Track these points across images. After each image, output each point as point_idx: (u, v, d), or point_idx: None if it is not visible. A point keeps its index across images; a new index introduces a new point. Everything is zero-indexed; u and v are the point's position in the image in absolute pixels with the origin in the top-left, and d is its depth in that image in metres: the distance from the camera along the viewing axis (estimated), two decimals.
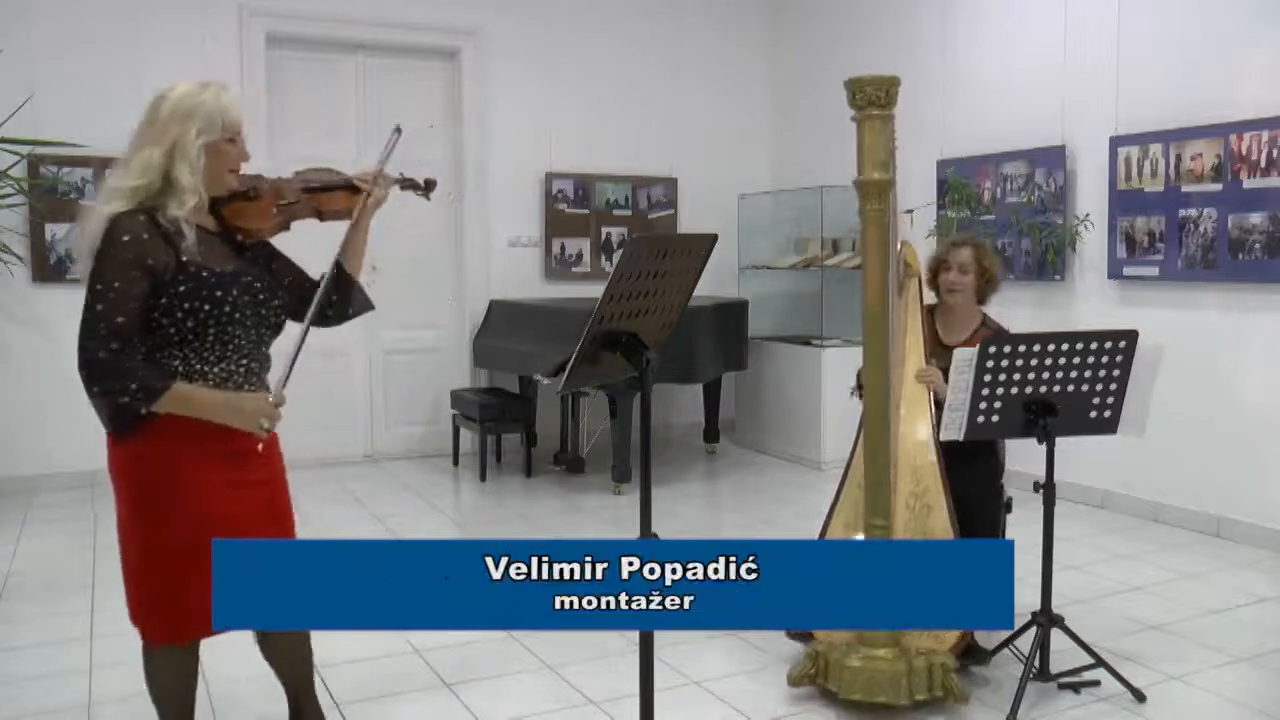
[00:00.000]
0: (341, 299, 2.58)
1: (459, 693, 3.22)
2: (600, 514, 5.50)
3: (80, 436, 6.01)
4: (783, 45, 7.83)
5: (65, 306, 5.80)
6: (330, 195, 2.58)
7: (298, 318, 2.48)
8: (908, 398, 3.45)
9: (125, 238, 2.20)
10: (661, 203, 7.62)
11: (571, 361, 2.26)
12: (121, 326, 2.18)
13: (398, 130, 2.56)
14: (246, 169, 2.45)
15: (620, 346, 2.30)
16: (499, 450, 6.70)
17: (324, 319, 2.58)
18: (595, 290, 3.09)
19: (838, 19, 7.24)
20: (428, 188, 2.80)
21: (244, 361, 2.38)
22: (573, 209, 7.32)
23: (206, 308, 2.27)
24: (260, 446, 2.34)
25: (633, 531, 2.28)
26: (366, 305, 2.65)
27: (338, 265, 2.54)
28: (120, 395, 2.19)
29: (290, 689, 2.70)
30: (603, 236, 7.44)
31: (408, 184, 2.73)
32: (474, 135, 6.90)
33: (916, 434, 3.43)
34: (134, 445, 2.32)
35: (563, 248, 7.33)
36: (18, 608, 4.01)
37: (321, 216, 2.59)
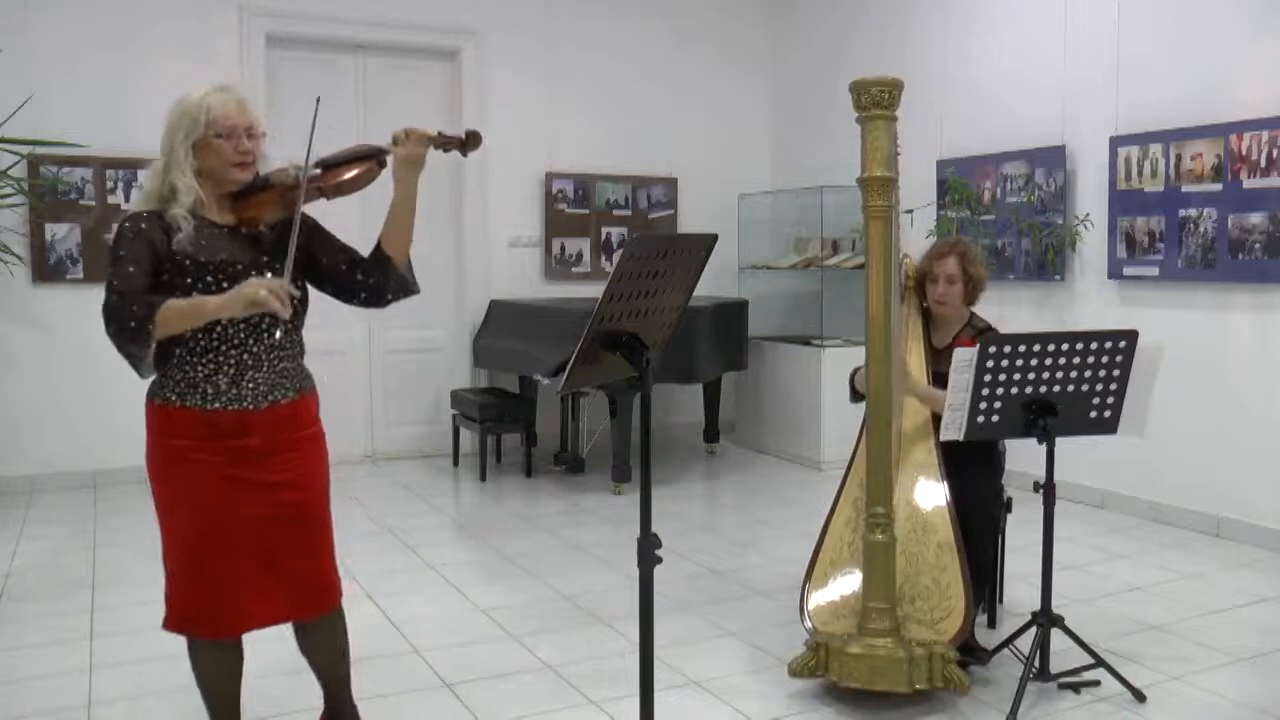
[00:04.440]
0: (378, 281, 2.54)
1: (459, 693, 3.22)
2: (600, 514, 5.50)
3: (80, 436, 6.09)
4: (783, 45, 7.83)
5: (65, 306, 5.94)
6: (341, 170, 2.49)
7: (344, 297, 2.56)
8: (908, 402, 3.47)
9: (128, 223, 2.35)
10: (661, 203, 7.62)
11: (571, 361, 2.26)
12: (130, 276, 2.26)
13: (318, 101, 2.46)
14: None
15: (620, 346, 2.30)
16: (499, 450, 6.70)
17: (359, 301, 2.57)
18: (595, 290, 3.09)
19: (838, 19, 7.24)
20: (469, 142, 2.57)
21: (233, 352, 2.38)
22: (573, 209, 7.32)
23: (176, 294, 2.31)
24: (279, 335, 2.37)
25: (633, 532, 2.28)
26: (406, 289, 2.58)
27: (378, 244, 2.54)
28: (126, 324, 2.22)
29: (326, 685, 2.74)
30: (603, 236, 7.44)
31: (444, 141, 2.52)
32: None
33: (917, 435, 3.45)
34: (151, 435, 2.41)
35: (563, 248, 7.33)
36: (18, 608, 4.01)
37: (329, 194, 2.49)
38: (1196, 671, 3.34)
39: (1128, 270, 5.29)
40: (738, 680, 3.31)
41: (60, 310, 5.95)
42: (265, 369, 2.42)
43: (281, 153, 2.53)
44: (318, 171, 2.49)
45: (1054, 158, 5.63)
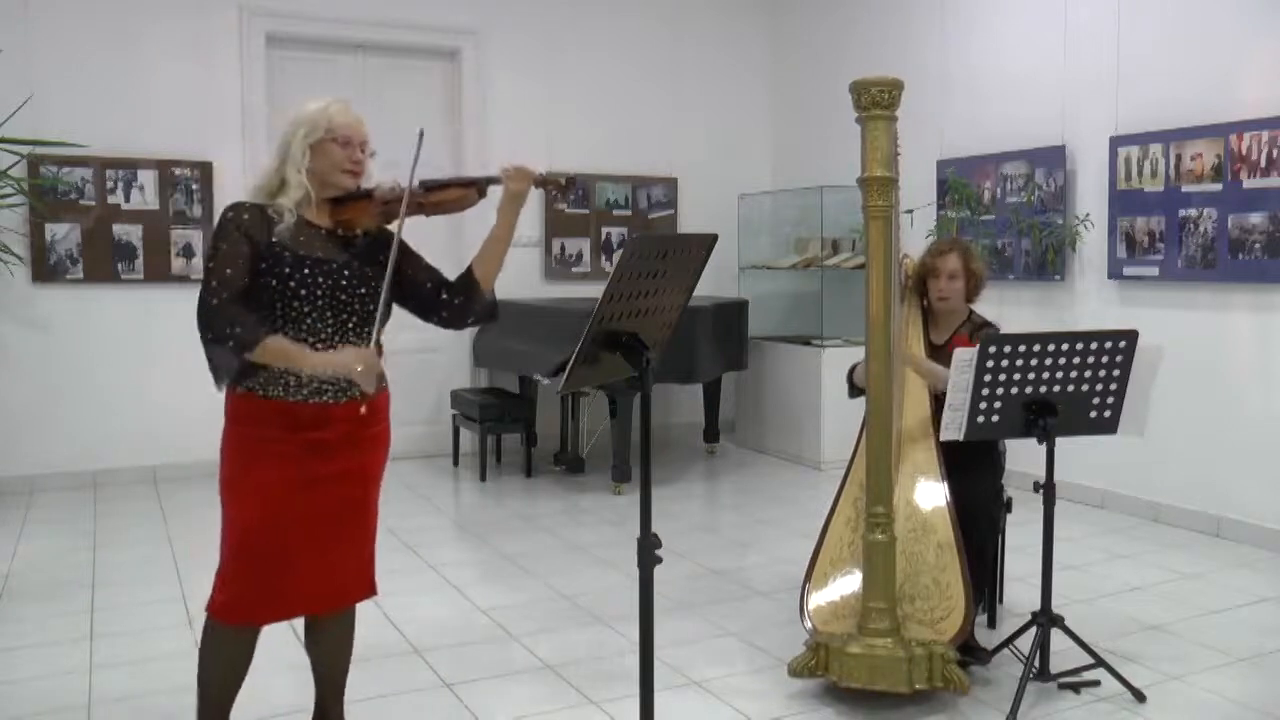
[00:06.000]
0: (462, 304, 2.63)
1: (459, 693, 3.22)
2: (600, 514, 5.50)
3: (80, 436, 6.10)
4: (783, 45, 7.83)
5: (65, 306, 5.94)
6: (443, 192, 2.63)
7: (425, 314, 2.64)
8: (908, 401, 3.48)
9: (230, 214, 2.44)
10: (661, 203, 7.62)
11: (572, 361, 2.27)
12: (229, 278, 2.35)
13: (420, 134, 2.59)
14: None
15: (620, 346, 2.30)
16: (499, 450, 6.70)
17: (439, 320, 2.65)
18: (595, 290, 3.09)
19: (838, 19, 7.24)
20: (568, 187, 2.72)
21: (319, 347, 2.44)
22: (573, 209, 7.32)
23: (274, 283, 2.39)
24: (363, 410, 2.45)
25: (633, 531, 2.28)
26: (489, 313, 2.69)
27: (468, 268, 2.65)
28: (224, 340, 2.32)
29: (323, 687, 2.76)
30: (603, 236, 7.44)
31: (545, 181, 2.65)
32: (474, 135, 6.89)
33: (916, 434, 3.45)
34: (230, 425, 2.46)
35: (563, 248, 7.33)
36: (18, 608, 4.01)
37: (427, 211, 2.64)
38: (1196, 671, 3.34)
39: (1128, 270, 5.29)
40: (738, 680, 3.31)
41: (60, 310, 5.95)
42: None
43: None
44: (420, 190, 2.61)
45: (1054, 158, 5.63)
